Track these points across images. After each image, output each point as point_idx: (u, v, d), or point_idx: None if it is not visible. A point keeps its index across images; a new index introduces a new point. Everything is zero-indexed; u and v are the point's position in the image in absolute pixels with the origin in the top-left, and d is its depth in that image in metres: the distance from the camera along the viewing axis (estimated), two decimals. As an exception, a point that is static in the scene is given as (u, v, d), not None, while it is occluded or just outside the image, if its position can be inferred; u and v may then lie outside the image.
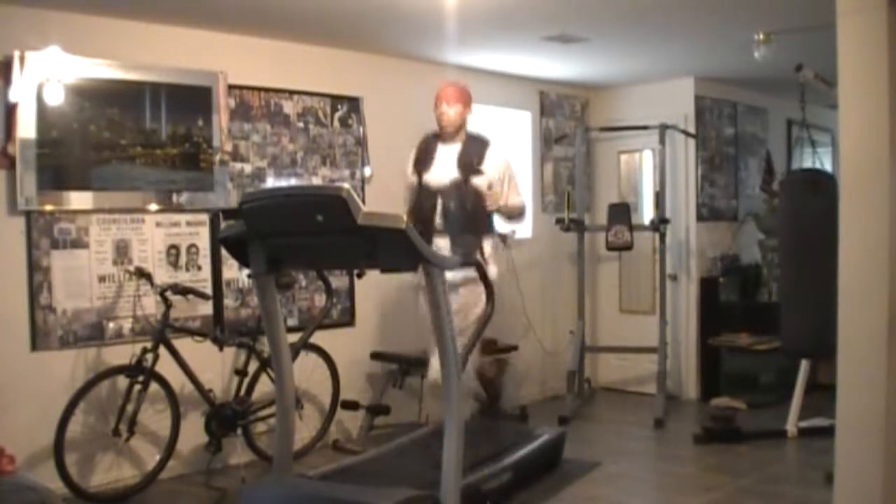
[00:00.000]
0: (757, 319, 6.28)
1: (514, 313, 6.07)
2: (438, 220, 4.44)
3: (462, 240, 4.31)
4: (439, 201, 4.44)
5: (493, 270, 4.44)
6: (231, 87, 4.86)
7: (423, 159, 4.59)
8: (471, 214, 4.43)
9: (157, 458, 4.36)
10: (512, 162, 4.75)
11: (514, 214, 4.74)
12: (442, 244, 4.38)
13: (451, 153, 4.53)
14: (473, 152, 4.51)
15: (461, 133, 4.56)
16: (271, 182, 5.05)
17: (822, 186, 4.97)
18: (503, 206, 4.56)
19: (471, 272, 4.38)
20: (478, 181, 4.46)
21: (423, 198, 4.51)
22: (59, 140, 4.21)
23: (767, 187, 6.92)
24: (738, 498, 4.17)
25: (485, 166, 4.50)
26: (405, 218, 2.83)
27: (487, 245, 4.55)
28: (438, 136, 4.60)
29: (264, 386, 4.69)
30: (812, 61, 4.87)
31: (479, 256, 4.35)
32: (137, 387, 4.19)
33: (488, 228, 4.60)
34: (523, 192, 4.83)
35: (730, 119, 6.90)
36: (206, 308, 4.75)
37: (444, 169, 4.51)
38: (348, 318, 5.42)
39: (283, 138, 5.12)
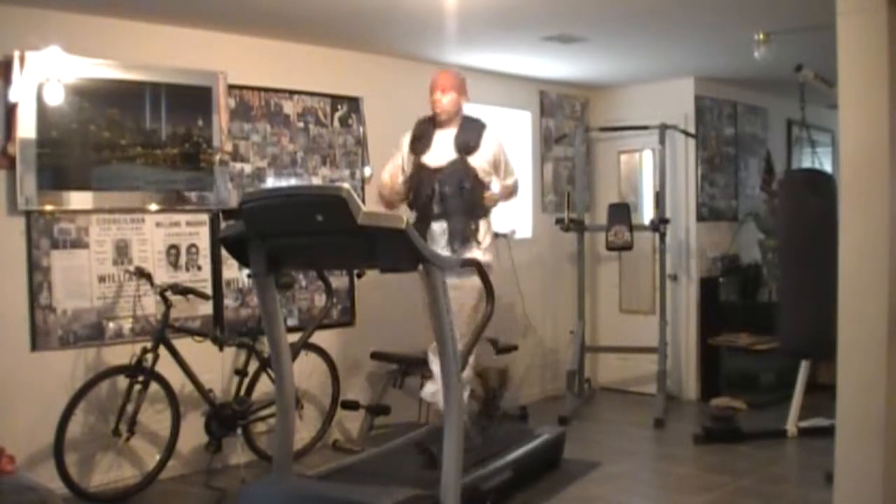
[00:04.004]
0: (757, 319, 6.28)
1: (514, 313, 6.07)
2: (436, 206, 4.41)
3: (459, 224, 4.32)
4: (437, 184, 4.39)
5: (487, 258, 4.38)
6: (231, 87, 4.86)
7: (421, 142, 4.53)
8: (468, 194, 4.39)
9: (157, 458, 4.37)
10: (505, 143, 4.68)
11: (509, 194, 4.67)
12: (438, 229, 4.37)
13: (448, 137, 4.50)
14: (470, 134, 4.48)
15: (457, 119, 4.54)
16: (271, 182, 5.05)
17: (820, 186, 4.98)
18: (499, 194, 4.50)
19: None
20: (474, 161, 4.43)
21: (420, 179, 4.48)
22: (59, 140, 4.21)
23: (767, 187, 6.93)
24: (738, 498, 4.17)
25: (481, 147, 4.46)
26: (402, 216, 2.82)
27: (482, 228, 4.47)
28: (434, 122, 4.56)
29: (264, 386, 4.69)
30: (812, 61, 4.87)
31: (473, 241, 4.35)
32: (137, 387, 4.20)
33: (483, 212, 4.50)
34: (521, 179, 4.81)
35: (730, 119, 6.90)
36: (206, 308, 4.76)
37: (441, 151, 4.49)
38: (348, 318, 5.42)
39: (283, 138, 5.12)
